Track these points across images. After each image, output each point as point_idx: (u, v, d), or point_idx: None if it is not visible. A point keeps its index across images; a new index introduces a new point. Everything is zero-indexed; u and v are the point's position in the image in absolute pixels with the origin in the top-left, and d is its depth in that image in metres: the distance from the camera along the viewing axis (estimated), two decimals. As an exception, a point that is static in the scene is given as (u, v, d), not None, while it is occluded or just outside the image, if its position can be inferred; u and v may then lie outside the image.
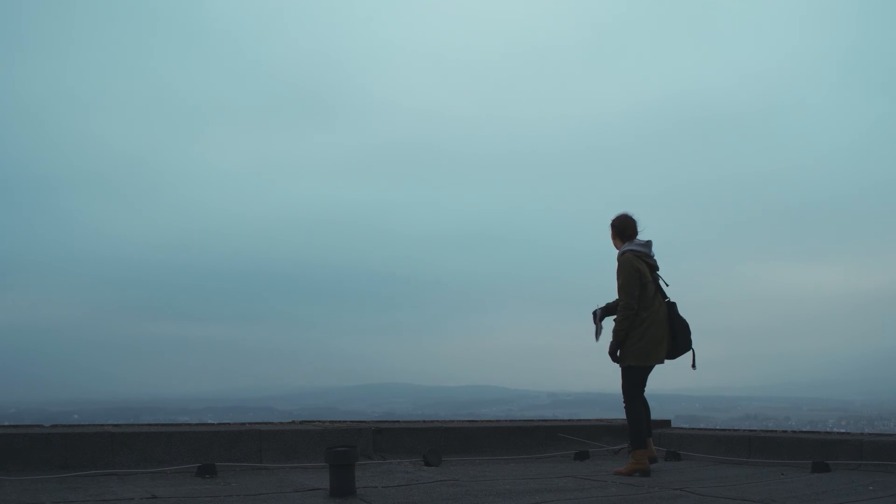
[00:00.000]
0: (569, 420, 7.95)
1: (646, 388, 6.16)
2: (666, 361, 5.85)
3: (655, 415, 6.53)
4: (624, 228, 5.92)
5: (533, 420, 8.44)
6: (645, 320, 5.64)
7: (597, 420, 8.01)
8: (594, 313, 6.00)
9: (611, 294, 5.96)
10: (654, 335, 5.65)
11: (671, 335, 5.76)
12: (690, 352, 5.85)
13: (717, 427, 9.08)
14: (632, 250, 5.80)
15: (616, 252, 5.92)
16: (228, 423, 6.53)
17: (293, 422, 6.89)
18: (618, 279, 5.73)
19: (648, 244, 5.88)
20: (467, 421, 7.62)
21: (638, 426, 5.72)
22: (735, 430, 7.47)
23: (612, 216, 6.05)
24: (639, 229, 5.97)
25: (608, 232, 6.08)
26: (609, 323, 5.91)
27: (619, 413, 6.74)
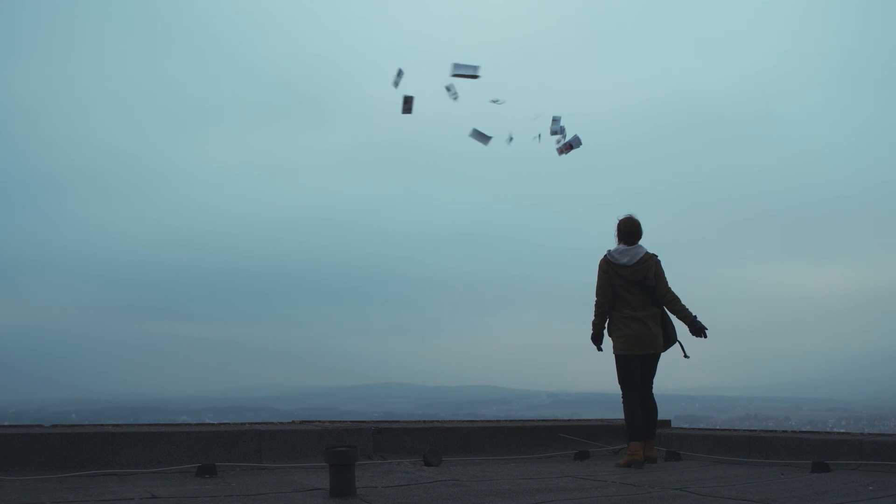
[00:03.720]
0: (569, 420, 7.94)
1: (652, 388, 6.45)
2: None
3: (655, 415, 6.56)
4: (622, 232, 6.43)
5: (533, 420, 8.43)
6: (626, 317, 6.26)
7: (597, 420, 8.00)
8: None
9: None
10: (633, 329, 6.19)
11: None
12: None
13: (717, 427, 9.08)
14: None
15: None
16: (228, 423, 6.53)
17: (293, 422, 6.89)
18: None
19: (622, 252, 6.28)
20: (467, 421, 7.62)
21: (629, 419, 6.16)
22: (735, 430, 7.47)
23: (619, 214, 6.46)
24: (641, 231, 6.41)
25: (611, 231, 6.48)
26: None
27: (618, 413, 6.75)
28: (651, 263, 6.25)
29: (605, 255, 6.30)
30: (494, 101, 6.46)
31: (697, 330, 6.27)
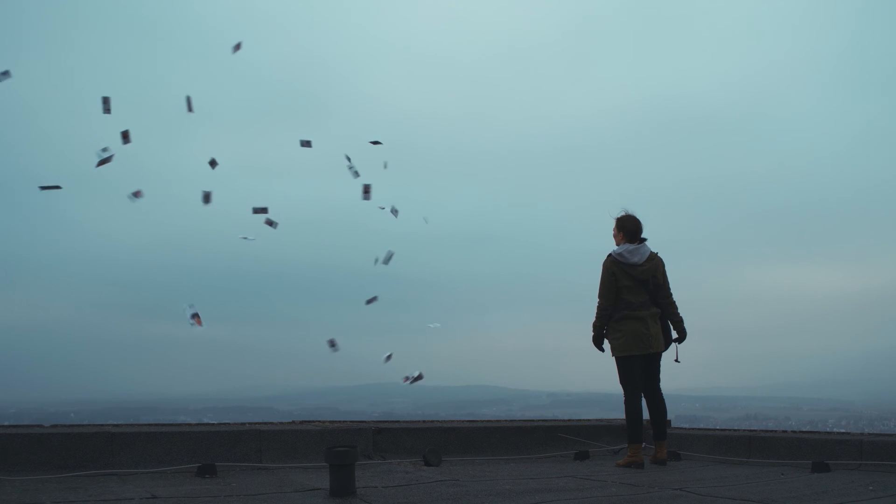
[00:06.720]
0: (569, 420, 7.94)
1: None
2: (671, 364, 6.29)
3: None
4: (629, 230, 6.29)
5: (533, 420, 8.43)
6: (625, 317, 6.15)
7: (597, 420, 8.00)
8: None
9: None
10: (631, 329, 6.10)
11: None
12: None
13: (717, 427, 9.07)
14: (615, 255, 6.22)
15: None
16: (228, 423, 6.53)
17: (293, 422, 6.89)
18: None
19: (632, 251, 6.17)
20: (467, 421, 7.62)
21: (630, 420, 6.10)
22: (735, 430, 7.47)
23: (619, 212, 6.35)
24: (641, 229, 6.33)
25: (609, 229, 6.39)
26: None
27: (618, 413, 6.76)
28: (659, 261, 6.21)
29: (612, 256, 6.15)
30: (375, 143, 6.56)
31: (684, 338, 6.31)
